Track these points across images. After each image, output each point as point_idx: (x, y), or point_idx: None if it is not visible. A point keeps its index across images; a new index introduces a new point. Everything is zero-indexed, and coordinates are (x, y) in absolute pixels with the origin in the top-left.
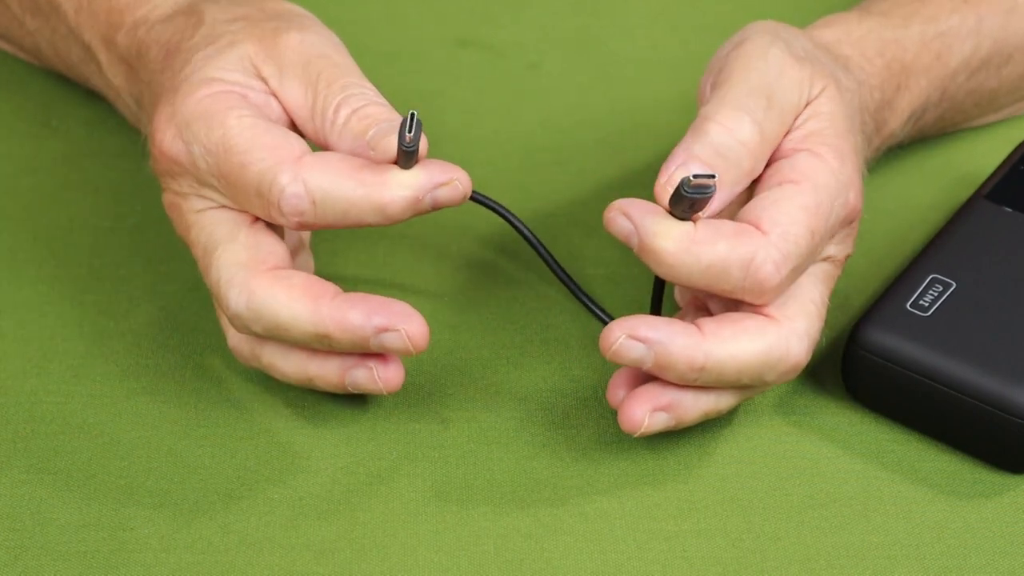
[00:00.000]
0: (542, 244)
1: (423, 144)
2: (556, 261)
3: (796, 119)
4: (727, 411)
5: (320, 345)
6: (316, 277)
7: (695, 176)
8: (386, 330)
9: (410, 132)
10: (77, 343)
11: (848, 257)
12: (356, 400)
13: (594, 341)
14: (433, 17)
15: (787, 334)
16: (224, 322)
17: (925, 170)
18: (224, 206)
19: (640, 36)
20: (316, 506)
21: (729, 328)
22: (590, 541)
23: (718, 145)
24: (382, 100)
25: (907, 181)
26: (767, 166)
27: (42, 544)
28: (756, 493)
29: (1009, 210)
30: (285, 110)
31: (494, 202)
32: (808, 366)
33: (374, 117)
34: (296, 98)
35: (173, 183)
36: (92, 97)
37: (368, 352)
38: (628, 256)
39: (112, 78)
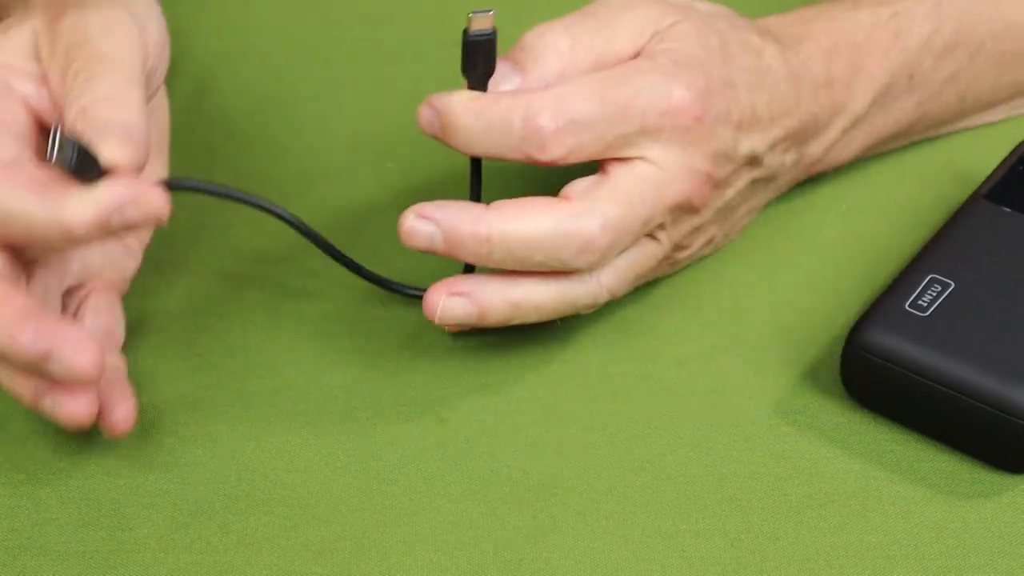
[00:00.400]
0: (310, 229)
1: (125, 155)
2: (319, 236)
3: (643, 47)
4: (548, 309)
5: (6, 363)
6: (12, 290)
7: (472, 13)
8: (48, 357)
9: (53, 150)
10: None
11: (705, 176)
12: (355, 400)
13: (594, 340)
14: (433, 17)
15: (579, 210)
16: None
17: (925, 170)
18: None
19: None
20: (316, 506)
21: (517, 205)
22: (590, 541)
23: (526, 46)
24: (123, 96)
25: (907, 181)
26: None
27: (42, 544)
28: (755, 493)
29: (1008, 210)
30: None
31: (249, 195)
32: (808, 366)
33: (98, 120)
34: (55, 86)
35: None
36: None
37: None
38: None
39: None
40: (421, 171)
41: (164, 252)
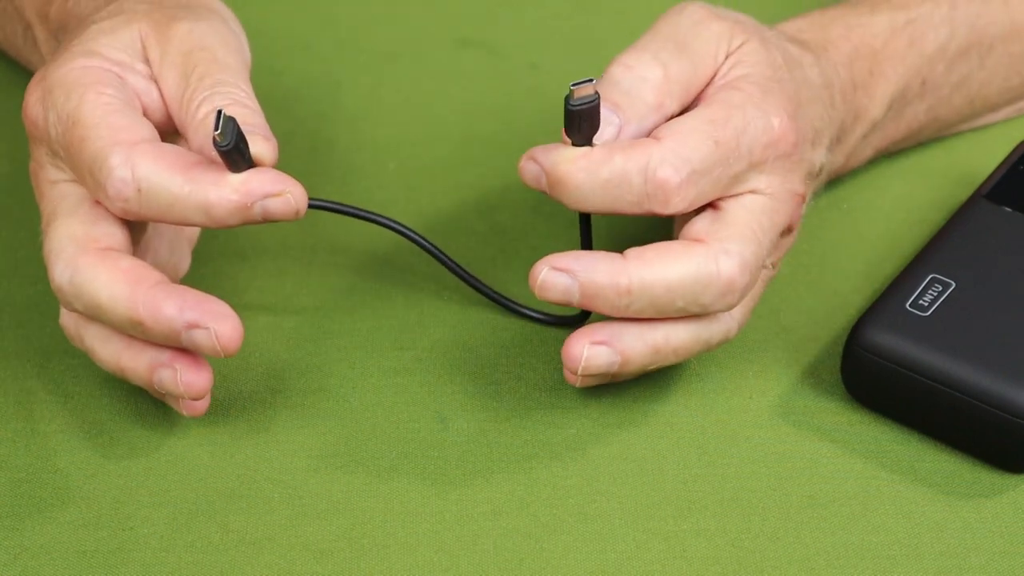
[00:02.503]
0: (439, 250)
1: (269, 152)
2: (456, 263)
3: (718, 70)
4: (686, 350)
5: (135, 332)
6: (144, 263)
7: (573, 85)
8: (196, 327)
9: (217, 131)
10: None
11: (800, 198)
12: (355, 400)
13: None
14: (433, 17)
15: (715, 252)
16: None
17: (925, 170)
18: (75, 181)
19: (640, 36)
20: (316, 506)
21: (653, 252)
22: (590, 541)
23: (618, 81)
24: (251, 103)
25: (907, 181)
26: (690, 108)
27: (42, 544)
28: (756, 493)
29: (1009, 210)
30: (163, 98)
31: (382, 216)
32: (808, 366)
33: (238, 121)
34: (171, 87)
35: (34, 149)
36: None
37: (180, 348)
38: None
39: (45, 55)
40: (421, 171)
41: None
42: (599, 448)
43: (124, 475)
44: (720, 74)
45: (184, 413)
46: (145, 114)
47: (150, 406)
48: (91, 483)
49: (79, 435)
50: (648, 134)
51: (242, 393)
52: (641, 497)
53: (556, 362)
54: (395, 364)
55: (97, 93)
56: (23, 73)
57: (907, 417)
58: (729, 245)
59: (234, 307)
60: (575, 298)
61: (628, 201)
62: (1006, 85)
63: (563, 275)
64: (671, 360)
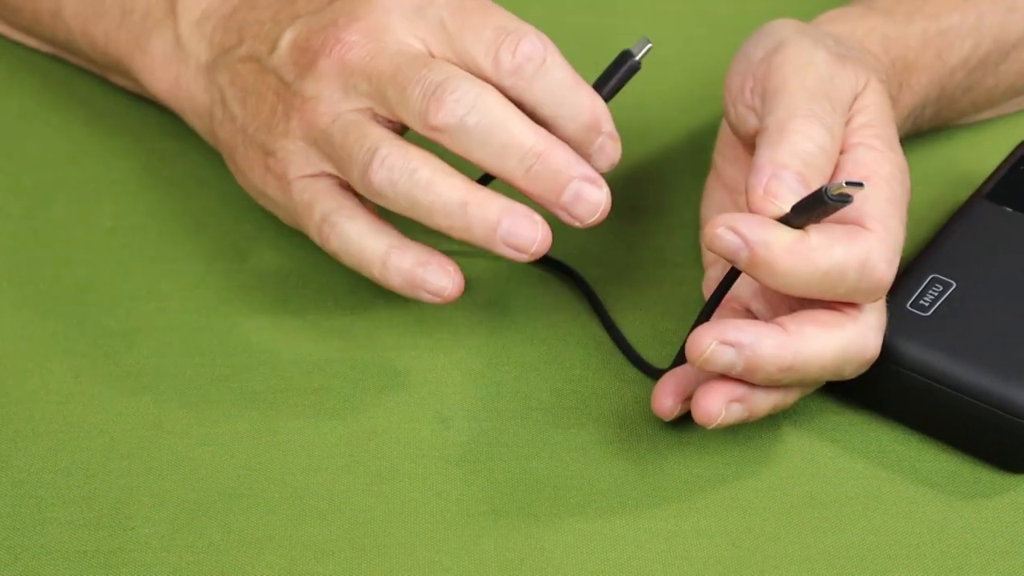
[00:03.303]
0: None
1: None
2: (608, 316)
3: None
4: (792, 404)
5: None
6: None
7: (847, 183)
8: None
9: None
10: (77, 343)
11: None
12: (357, 400)
13: (594, 339)
14: None
15: (863, 328)
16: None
17: (925, 170)
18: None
19: (642, 35)
20: (316, 506)
21: (811, 325)
22: (590, 541)
23: (803, 154)
24: None
25: None
26: None
27: (42, 544)
28: (756, 493)
29: (1009, 210)
30: None
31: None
32: None
33: None
34: None
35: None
36: (93, 94)
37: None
38: (630, 255)
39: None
40: None
41: (165, 250)
42: (599, 448)
43: (124, 475)
44: (855, 124)
45: (441, 297)
46: None
47: (150, 406)
48: (91, 483)
49: (79, 435)
50: None
51: (242, 393)
52: (641, 497)
53: (556, 363)
54: (395, 364)
55: None
56: (23, 73)
57: (907, 417)
58: (871, 316)
59: (234, 308)
60: (736, 370)
61: (837, 292)
62: (1013, 88)
63: (730, 350)
64: (778, 410)
